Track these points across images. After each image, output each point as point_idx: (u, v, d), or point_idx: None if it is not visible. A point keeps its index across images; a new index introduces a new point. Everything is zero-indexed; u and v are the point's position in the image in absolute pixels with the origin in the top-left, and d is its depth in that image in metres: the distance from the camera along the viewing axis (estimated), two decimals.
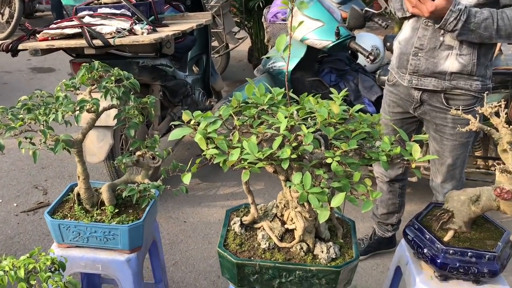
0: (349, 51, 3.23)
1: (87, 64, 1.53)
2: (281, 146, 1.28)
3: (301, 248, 1.50)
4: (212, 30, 4.91)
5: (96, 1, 2.74)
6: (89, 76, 1.54)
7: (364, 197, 1.27)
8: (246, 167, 1.29)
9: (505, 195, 1.41)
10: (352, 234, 1.62)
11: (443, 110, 1.92)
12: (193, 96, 3.48)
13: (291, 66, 2.79)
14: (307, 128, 1.26)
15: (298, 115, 1.31)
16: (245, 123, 1.38)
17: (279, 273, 1.46)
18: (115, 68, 1.58)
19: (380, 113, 1.49)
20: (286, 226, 1.55)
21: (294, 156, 1.25)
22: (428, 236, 1.58)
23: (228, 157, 1.28)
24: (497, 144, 1.50)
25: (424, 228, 1.61)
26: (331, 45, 2.61)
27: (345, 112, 1.38)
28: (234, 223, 1.61)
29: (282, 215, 1.59)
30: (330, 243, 1.52)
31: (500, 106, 1.45)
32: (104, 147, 2.53)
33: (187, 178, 1.35)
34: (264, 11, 4.02)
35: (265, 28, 3.76)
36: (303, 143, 1.24)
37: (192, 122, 1.38)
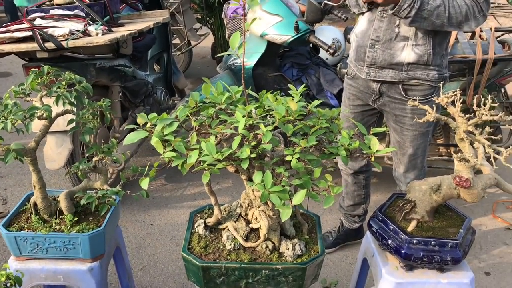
0: (310, 45, 3.23)
1: (36, 69, 1.47)
2: (240, 145, 1.26)
3: (267, 246, 1.49)
4: (172, 28, 4.83)
5: (48, 2, 2.64)
6: (39, 81, 1.47)
7: (325, 192, 1.27)
8: (206, 168, 1.26)
9: (464, 184, 1.43)
10: (317, 229, 1.62)
11: (401, 101, 1.94)
12: (155, 96, 3.42)
13: (252, 62, 2.77)
14: (266, 126, 1.24)
15: (256, 114, 1.29)
16: (203, 123, 1.35)
17: (246, 274, 1.44)
18: (67, 72, 1.52)
19: (339, 108, 1.49)
20: (250, 225, 1.54)
21: (253, 155, 1.23)
22: (392, 227, 1.59)
23: (186, 159, 1.25)
24: (455, 133, 1.52)
25: (388, 220, 1.62)
26: (290, 39, 2.60)
27: (303, 108, 1.37)
28: (198, 226, 1.59)
29: (246, 215, 1.58)
30: (296, 240, 1.51)
31: (455, 95, 1.47)
32: (63, 152, 2.46)
33: (145, 183, 1.31)
34: (224, 7, 3.99)
35: (225, 24, 3.72)
36: (262, 142, 1.22)
37: (148, 125, 1.34)
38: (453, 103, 1.51)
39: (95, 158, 1.61)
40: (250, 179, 1.42)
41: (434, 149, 2.99)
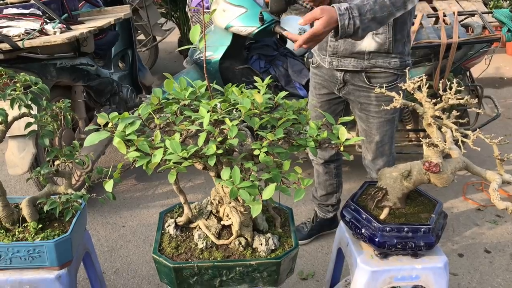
0: (277, 36, 3.20)
1: None
2: (206, 142, 1.22)
3: (240, 243, 1.46)
4: (136, 23, 4.73)
5: (1, 1, 2.53)
6: None
7: (295, 185, 1.25)
8: (172, 167, 1.22)
9: (433, 169, 1.43)
10: (290, 222, 1.60)
11: (366, 89, 1.94)
12: (121, 94, 3.34)
13: (218, 56, 2.72)
14: (232, 120, 1.21)
15: (221, 108, 1.25)
16: (167, 121, 1.30)
17: (219, 272, 1.41)
18: (21, 74, 1.45)
19: (306, 99, 1.46)
20: (222, 222, 1.50)
21: (220, 151, 1.20)
22: (364, 216, 1.58)
23: (151, 159, 1.21)
24: (423, 119, 1.51)
25: (360, 208, 1.61)
26: (256, 31, 2.56)
27: (270, 101, 1.34)
28: (169, 226, 1.54)
29: (217, 212, 1.54)
30: (269, 235, 1.49)
31: (421, 80, 1.46)
32: (26, 157, 2.37)
33: (109, 186, 1.26)
34: (187, 0, 3.91)
35: (189, 17, 3.65)
36: (229, 137, 1.18)
37: (110, 125, 1.29)
38: (419, 88, 1.51)
39: (57, 162, 1.55)
40: (218, 176, 1.39)
41: (403, 135, 3.01)
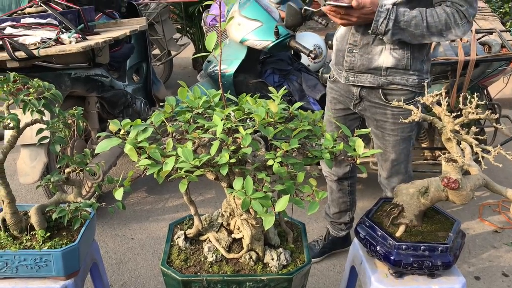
0: (292, 51, 3.18)
1: (1, 76, 1.39)
2: (219, 151, 1.20)
3: (250, 257, 1.42)
4: (152, 38, 4.77)
5: (20, 11, 2.56)
6: (5, 89, 1.39)
7: (310, 198, 1.21)
8: (184, 176, 1.19)
9: (452, 185, 1.38)
10: (302, 237, 1.55)
11: (382, 106, 1.90)
12: (135, 106, 3.33)
13: (233, 69, 2.71)
14: (245, 129, 1.18)
15: (235, 117, 1.22)
16: (179, 128, 1.28)
17: (229, 287, 1.37)
18: (35, 80, 1.44)
19: (322, 110, 1.43)
20: (233, 235, 1.47)
21: (233, 160, 1.17)
22: (380, 233, 1.53)
23: (162, 167, 1.18)
24: (441, 134, 1.47)
25: (375, 225, 1.56)
26: (271, 45, 2.55)
27: (284, 111, 1.31)
28: (178, 237, 1.51)
29: (228, 224, 1.51)
30: (280, 249, 1.44)
31: (441, 94, 1.43)
32: (37, 166, 2.36)
33: (119, 194, 1.24)
34: (203, 15, 3.93)
35: (205, 32, 3.66)
36: (242, 146, 1.15)
37: (121, 132, 1.27)
38: (438, 103, 1.47)
39: (67, 170, 1.53)
40: (230, 186, 1.36)
41: (419, 153, 2.95)
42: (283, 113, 1.28)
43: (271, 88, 1.42)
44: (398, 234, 1.52)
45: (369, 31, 1.71)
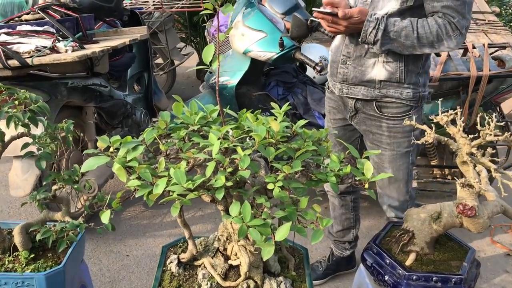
0: (297, 63, 3.09)
1: None
2: (215, 172, 1.09)
3: (248, 286, 1.31)
4: (155, 47, 4.69)
5: (17, 18, 2.48)
6: None
7: (313, 225, 1.11)
8: (176, 199, 1.09)
9: (468, 212, 1.27)
10: (305, 264, 1.44)
11: (377, 118, 1.83)
12: (134, 117, 3.24)
13: (235, 81, 2.62)
14: (244, 150, 1.08)
15: (233, 136, 1.12)
16: (174, 146, 1.18)
17: None
18: (22, 91, 1.35)
19: (327, 128, 1.33)
20: (230, 261, 1.36)
21: (230, 183, 1.06)
22: (388, 261, 1.42)
23: (152, 189, 1.08)
24: (453, 153, 1.37)
25: (384, 252, 1.45)
26: (275, 56, 2.46)
27: (287, 129, 1.21)
28: (171, 262, 1.40)
29: (225, 249, 1.40)
30: (281, 278, 1.33)
31: (456, 114, 1.33)
32: (30, 179, 2.26)
33: (105, 217, 1.14)
34: (207, 25, 3.86)
35: (208, 42, 3.58)
36: (240, 168, 1.05)
37: (111, 150, 1.17)
38: (453, 122, 1.36)
39: (54, 187, 1.43)
40: (227, 211, 1.25)
41: (427, 171, 2.84)
42: (285, 132, 1.18)
43: (273, 104, 1.32)
44: (408, 262, 1.41)
45: (359, 39, 1.68)
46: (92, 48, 2.27)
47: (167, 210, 3.04)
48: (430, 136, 1.31)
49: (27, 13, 2.43)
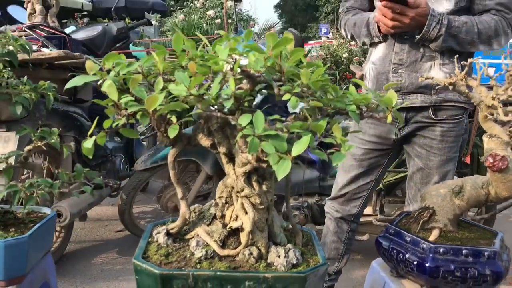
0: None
1: None
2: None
3: (251, 253, 1.10)
4: None
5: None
6: None
7: (333, 150, 0.96)
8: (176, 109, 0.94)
9: (499, 164, 1.14)
10: (314, 242, 1.25)
11: (431, 124, 1.77)
12: (113, 160, 3.07)
13: None
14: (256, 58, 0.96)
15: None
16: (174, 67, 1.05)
17: (222, 286, 1.03)
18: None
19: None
20: (230, 224, 1.16)
21: (240, 92, 0.93)
22: (409, 238, 1.24)
23: (146, 103, 0.93)
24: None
25: (403, 231, 1.27)
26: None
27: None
28: (158, 233, 1.19)
29: (223, 216, 1.20)
30: (289, 245, 1.13)
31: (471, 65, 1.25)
32: None
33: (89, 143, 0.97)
34: None
35: None
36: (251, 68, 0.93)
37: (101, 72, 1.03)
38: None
39: (27, 147, 1.25)
40: (230, 157, 1.10)
41: None
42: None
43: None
44: (432, 238, 1.23)
45: (417, 37, 1.66)
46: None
47: None
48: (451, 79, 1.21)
49: (13, 31, 2.36)
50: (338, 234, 2.06)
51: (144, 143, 4.04)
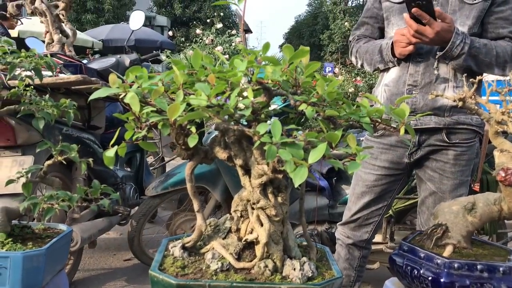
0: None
1: None
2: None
3: (266, 266, 1.11)
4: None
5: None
6: None
7: (348, 160, 0.98)
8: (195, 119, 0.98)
9: (511, 178, 1.15)
10: (328, 257, 1.25)
11: (444, 147, 1.79)
12: (123, 188, 3.09)
13: None
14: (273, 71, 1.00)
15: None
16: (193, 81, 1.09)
17: None
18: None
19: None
20: (245, 237, 1.17)
21: (259, 99, 0.97)
22: (423, 255, 1.25)
23: (168, 111, 0.96)
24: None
25: (417, 247, 1.28)
26: (278, 108, 2.45)
27: None
28: (174, 246, 1.20)
29: (238, 230, 1.21)
30: (304, 259, 1.14)
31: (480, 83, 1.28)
32: None
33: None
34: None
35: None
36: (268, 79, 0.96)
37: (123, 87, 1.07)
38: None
39: (47, 162, 1.29)
40: (246, 169, 1.12)
41: None
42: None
43: None
44: (446, 254, 1.24)
45: (439, 53, 1.68)
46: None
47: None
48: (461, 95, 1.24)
49: None
50: (350, 260, 2.04)
51: (154, 174, 4.07)
